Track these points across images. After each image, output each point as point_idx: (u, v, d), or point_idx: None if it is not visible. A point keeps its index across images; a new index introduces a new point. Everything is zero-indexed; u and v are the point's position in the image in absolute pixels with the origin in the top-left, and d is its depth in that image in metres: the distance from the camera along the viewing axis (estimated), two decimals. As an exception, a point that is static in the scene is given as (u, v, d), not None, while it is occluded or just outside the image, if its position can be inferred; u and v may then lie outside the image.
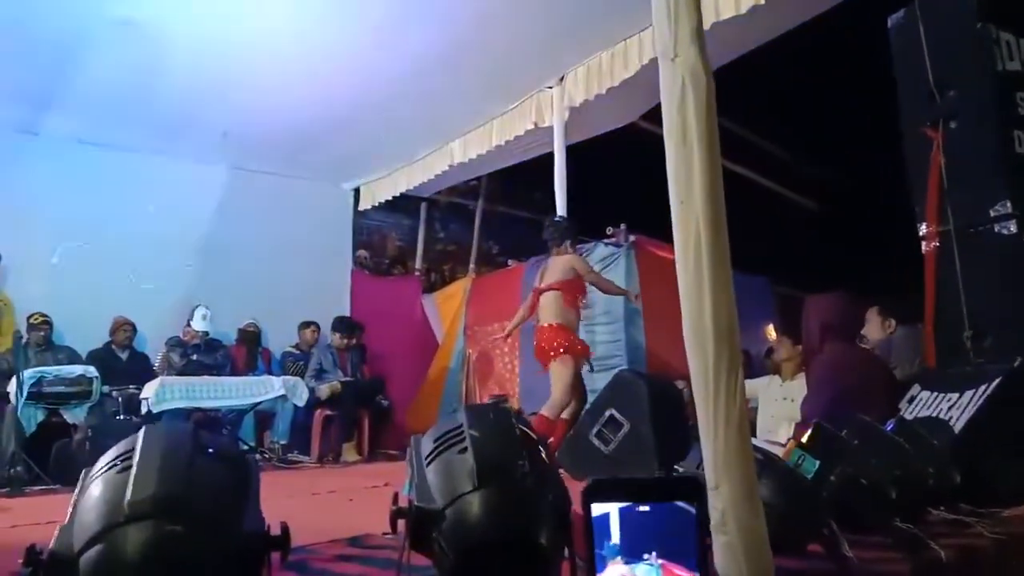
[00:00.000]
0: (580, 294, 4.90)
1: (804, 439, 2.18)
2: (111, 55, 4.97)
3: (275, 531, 1.18)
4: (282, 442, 5.90)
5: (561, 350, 4.66)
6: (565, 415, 4.66)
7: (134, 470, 1.09)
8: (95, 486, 1.12)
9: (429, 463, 1.38)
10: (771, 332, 6.53)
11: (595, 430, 4.09)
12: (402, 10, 4.69)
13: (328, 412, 6.21)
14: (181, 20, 4.67)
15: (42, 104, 5.74)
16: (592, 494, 1.22)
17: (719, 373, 1.37)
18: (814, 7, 4.71)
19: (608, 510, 1.19)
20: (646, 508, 1.21)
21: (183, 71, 5.24)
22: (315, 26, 4.82)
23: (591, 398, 5.51)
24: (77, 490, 1.16)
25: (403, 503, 1.36)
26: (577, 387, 4.77)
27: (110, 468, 1.13)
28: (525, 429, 1.42)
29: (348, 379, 6.42)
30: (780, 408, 4.52)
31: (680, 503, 1.23)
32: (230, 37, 4.89)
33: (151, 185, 6.49)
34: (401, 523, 1.33)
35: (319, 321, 7.00)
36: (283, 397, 5.79)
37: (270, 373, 6.43)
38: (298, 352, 6.92)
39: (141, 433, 1.17)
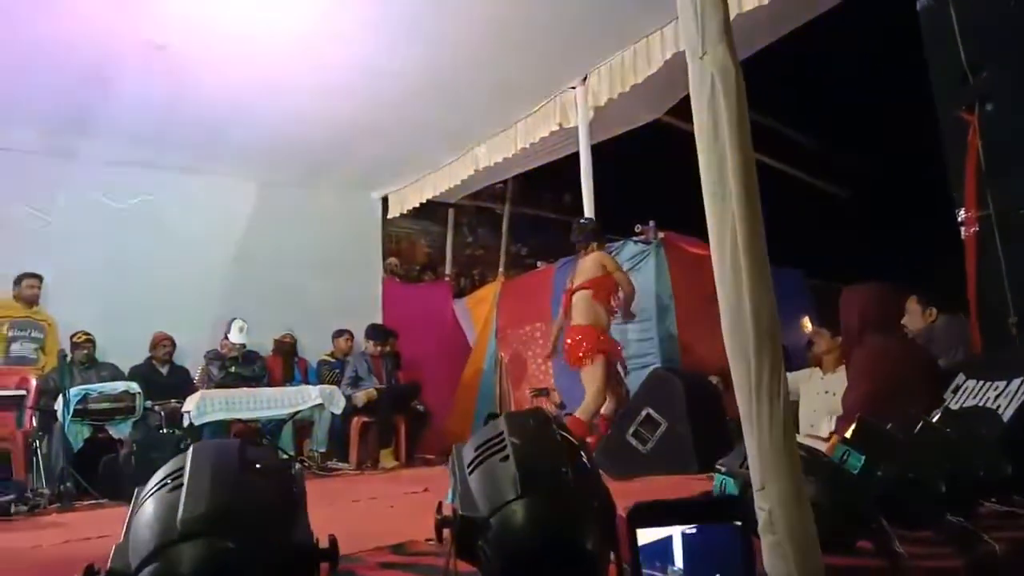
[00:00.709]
0: (611, 292, 4.87)
1: (848, 434, 2.14)
2: (143, 78, 5.09)
3: (323, 543, 1.20)
4: (321, 450, 5.97)
5: (589, 353, 4.62)
6: (605, 411, 4.65)
7: (185, 489, 1.11)
8: (148, 505, 1.14)
9: (471, 471, 1.39)
10: (807, 325, 6.43)
11: (632, 430, 4.08)
12: (422, 19, 4.72)
13: (365, 419, 6.26)
14: (208, 42, 4.78)
15: (79, 128, 5.89)
16: (636, 519, 1.23)
17: (761, 372, 1.36)
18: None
19: (659, 534, 1.19)
20: (693, 530, 1.21)
21: (212, 91, 5.35)
22: (337, 39, 4.88)
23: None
24: (130, 509, 1.19)
25: (447, 512, 1.37)
26: (613, 386, 4.73)
27: (161, 487, 1.15)
28: (566, 434, 1.42)
29: (383, 386, 6.47)
30: (822, 402, 4.45)
31: (724, 523, 1.24)
32: (255, 56, 4.98)
33: (185, 202, 6.63)
34: (446, 532, 1.34)
35: (352, 329, 7.07)
36: (320, 406, 5.86)
37: (306, 382, 6.52)
38: (333, 360, 6.99)
39: (190, 451, 1.19)
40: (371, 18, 4.68)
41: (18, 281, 5.81)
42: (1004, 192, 3.26)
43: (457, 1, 4.57)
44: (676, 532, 1.21)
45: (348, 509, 3.70)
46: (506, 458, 1.34)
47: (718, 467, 1.95)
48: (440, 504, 1.40)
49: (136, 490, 1.23)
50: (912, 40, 3.88)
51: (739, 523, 1.24)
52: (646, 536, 1.20)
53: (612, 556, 1.30)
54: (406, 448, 6.39)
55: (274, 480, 1.22)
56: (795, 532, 1.32)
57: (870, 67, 7.63)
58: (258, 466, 1.23)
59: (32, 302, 5.85)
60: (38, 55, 4.81)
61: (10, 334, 5.64)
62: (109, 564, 1.09)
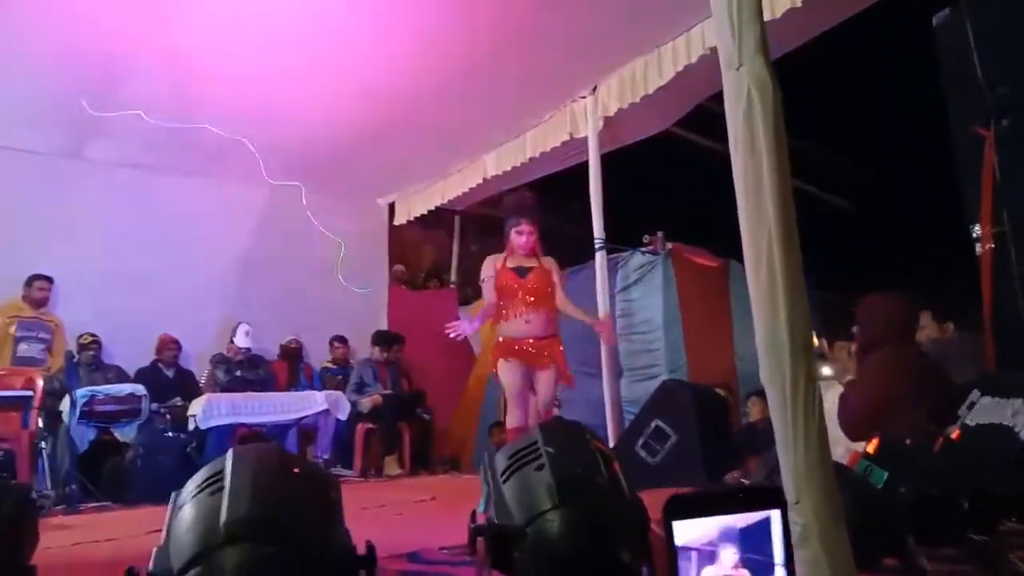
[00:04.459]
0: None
1: (869, 448, 2.14)
2: (154, 82, 5.11)
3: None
4: (325, 456, 5.96)
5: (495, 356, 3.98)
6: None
7: (226, 492, 1.11)
8: (188, 508, 1.14)
9: (505, 480, 1.38)
10: (815, 338, 6.43)
11: (641, 441, 4.08)
12: (433, 27, 4.73)
13: (370, 426, 6.25)
14: (219, 49, 4.80)
15: (89, 130, 5.90)
16: (673, 512, 1.21)
17: (796, 387, 1.36)
18: (850, 7, 4.64)
19: (694, 527, 1.18)
20: (732, 520, 1.20)
21: (221, 97, 5.36)
22: (348, 48, 4.89)
23: (628, 407, 5.48)
24: (169, 512, 1.18)
25: (481, 520, 1.36)
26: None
27: (202, 490, 1.14)
28: (600, 445, 1.42)
29: (388, 392, 6.46)
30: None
31: (765, 511, 1.23)
32: (264, 64, 4.99)
33: (193, 206, 6.63)
34: (480, 541, 1.33)
35: (358, 336, 7.07)
36: (326, 412, 5.85)
37: (312, 388, 6.50)
38: (335, 367, 6.98)
39: (230, 454, 1.19)
40: (381, 27, 4.70)
41: (28, 283, 5.81)
42: (1020, 208, 3.27)
43: (468, 11, 4.58)
44: (715, 524, 1.19)
45: (357, 517, 3.66)
46: (541, 467, 1.34)
47: (742, 482, 1.94)
48: (473, 513, 1.39)
49: (173, 493, 1.22)
50: (926, 54, 3.91)
51: (779, 510, 1.23)
52: (683, 534, 1.18)
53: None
54: (410, 455, 6.37)
55: (313, 484, 1.21)
56: (831, 546, 1.31)
57: (883, 80, 7.67)
58: (296, 470, 1.22)
59: (41, 303, 5.85)
60: (49, 57, 4.83)
61: (18, 334, 5.63)
62: (151, 567, 1.08)
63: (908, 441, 2.29)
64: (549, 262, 4.00)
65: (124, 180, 6.49)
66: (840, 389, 4.27)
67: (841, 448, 3.47)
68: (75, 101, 5.41)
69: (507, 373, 3.80)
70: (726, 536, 1.20)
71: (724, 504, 1.23)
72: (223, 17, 4.51)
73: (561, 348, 3.90)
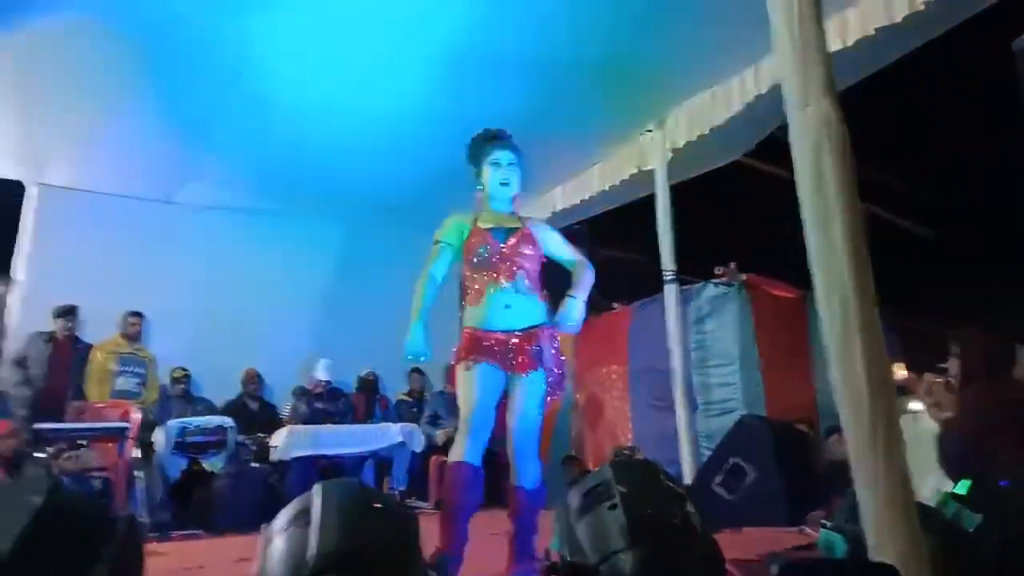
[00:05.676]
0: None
1: (962, 489, 2.04)
2: (243, 128, 5.42)
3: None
4: (400, 488, 6.04)
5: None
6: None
7: (314, 527, 1.17)
8: (279, 541, 1.21)
9: (579, 518, 1.40)
10: (900, 369, 6.16)
11: (719, 479, 3.99)
12: (502, 66, 4.84)
13: (444, 458, 6.28)
14: (305, 93, 5.05)
15: (181, 175, 6.31)
16: None
17: (875, 428, 1.34)
18: (926, 34, 4.53)
19: None
20: None
21: (304, 141, 5.64)
22: (425, 91, 5.07)
23: (704, 443, 5.36)
24: (261, 544, 1.26)
25: (554, 558, 1.39)
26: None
27: (292, 523, 1.21)
28: (672, 483, 1.43)
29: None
30: (924, 453, 4.22)
31: None
32: (348, 107, 5.23)
33: (278, 244, 6.95)
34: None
35: (434, 369, 7.19)
36: (401, 444, 5.95)
37: (387, 420, 6.63)
38: (411, 400, 7.11)
39: (317, 490, 1.25)
40: (453, 65, 4.83)
41: (122, 318, 6.19)
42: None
43: (536, 46, 4.68)
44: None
45: (431, 550, 3.72)
46: (614, 506, 1.36)
47: (823, 523, 1.89)
48: (547, 551, 1.42)
49: (263, 525, 1.30)
50: (1008, 79, 3.77)
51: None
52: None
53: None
54: (484, 488, 6.37)
55: (394, 520, 1.27)
56: (915, 593, 1.28)
57: (963, 104, 7.39)
58: (378, 505, 1.28)
59: (134, 338, 6.20)
60: (148, 108, 5.19)
61: (115, 369, 5.98)
62: (246, 596, 1.15)
63: (1006, 483, 2.18)
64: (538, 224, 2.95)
65: (212, 220, 6.86)
66: (929, 423, 4.09)
67: (930, 486, 3.32)
68: (170, 149, 5.81)
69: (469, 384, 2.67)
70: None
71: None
72: (309, 67, 4.77)
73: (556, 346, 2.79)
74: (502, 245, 2.76)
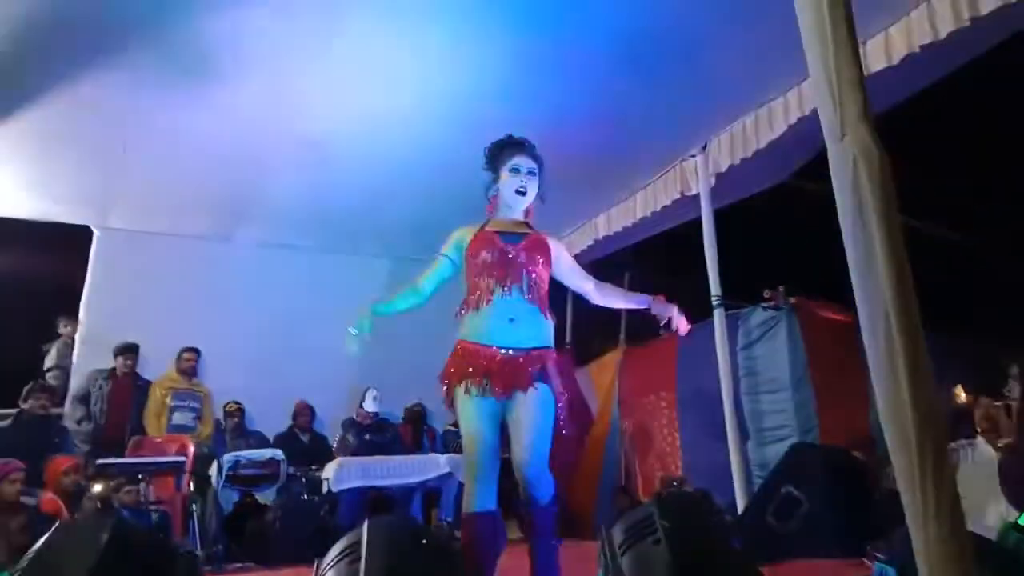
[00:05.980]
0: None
1: (1021, 520, 1.97)
2: (296, 169, 5.62)
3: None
4: (449, 519, 6.04)
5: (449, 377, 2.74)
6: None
7: (363, 563, 1.20)
8: (331, 575, 1.24)
9: (623, 554, 1.40)
10: (960, 393, 5.95)
11: (772, 509, 3.89)
12: (545, 92, 4.88)
13: (491, 488, 6.29)
14: (353, 136, 5.23)
15: (235, 214, 6.55)
16: None
17: (924, 459, 1.30)
18: (970, 50, 4.44)
19: None
20: None
21: (354, 179, 5.82)
22: (471, 117, 5.15)
23: (757, 472, 5.23)
24: (313, 578, 1.29)
25: (600, 593, 1.38)
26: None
27: (341, 559, 1.24)
28: (719, 516, 1.41)
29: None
30: (985, 481, 4.05)
31: None
32: (394, 146, 5.37)
33: (328, 280, 7.12)
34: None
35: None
36: (449, 474, 5.97)
37: (434, 451, 6.67)
38: (457, 429, 7.11)
39: (365, 526, 1.29)
40: (496, 94, 4.88)
41: (178, 354, 6.39)
42: None
43: (579, 72, 4.72)
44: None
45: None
46: (658, 541, 1.35)
47: (877, 555, 1.84)
48: (593, 585, 1.42)
49: (316, 560, 1.34)
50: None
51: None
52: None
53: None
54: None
55: (441, 555, 1.29)
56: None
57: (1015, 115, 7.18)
58: (424, 541, 1.30)
59: (190, 373, 6.40)
60: (203, 153, 5.41)
61: (172, 404, 6.16)
62: (298, 632, 1.19)
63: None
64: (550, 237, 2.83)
65: (265, 258, 7.08)
66: (986, 448, 3.93)
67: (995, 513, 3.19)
68: (225, 190, 6.04)
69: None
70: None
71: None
72: (358, 107, 4.92)
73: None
74: (511, 247, 2.60)
